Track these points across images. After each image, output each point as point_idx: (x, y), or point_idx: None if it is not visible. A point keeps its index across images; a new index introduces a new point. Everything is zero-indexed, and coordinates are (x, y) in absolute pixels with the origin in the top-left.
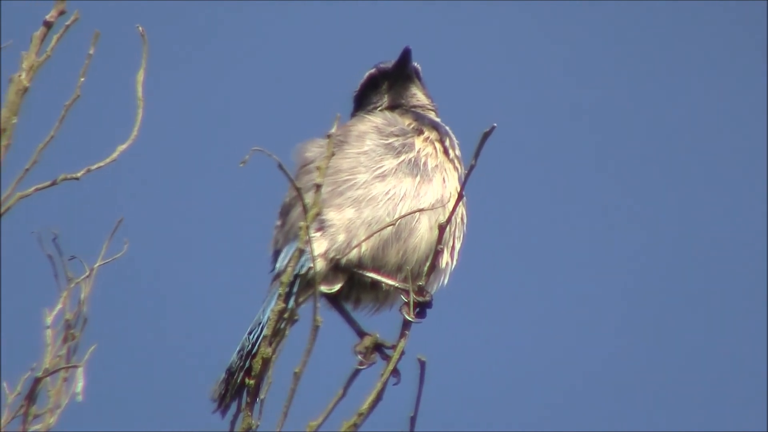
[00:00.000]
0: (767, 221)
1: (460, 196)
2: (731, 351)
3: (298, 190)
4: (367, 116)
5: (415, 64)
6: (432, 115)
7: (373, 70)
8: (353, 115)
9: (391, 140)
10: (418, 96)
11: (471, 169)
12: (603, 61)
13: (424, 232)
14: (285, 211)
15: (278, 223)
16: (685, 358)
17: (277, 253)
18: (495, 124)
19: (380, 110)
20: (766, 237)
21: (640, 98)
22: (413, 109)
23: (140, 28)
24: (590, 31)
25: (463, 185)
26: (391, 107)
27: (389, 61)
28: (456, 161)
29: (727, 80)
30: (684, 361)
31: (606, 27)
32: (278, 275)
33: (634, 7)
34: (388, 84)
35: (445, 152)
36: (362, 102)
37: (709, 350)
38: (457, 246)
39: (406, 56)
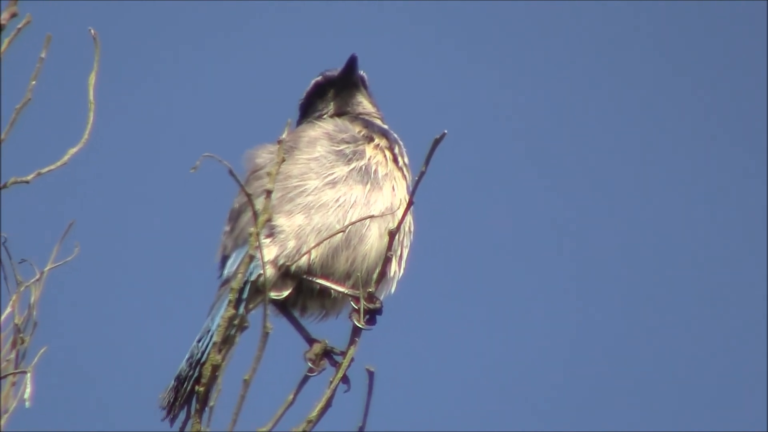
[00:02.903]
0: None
1: (410, 203)
2: (731, 351)
3: (248, 196)
4: (317, 122)
5: (361, 72)
6: (379, 123)
7: (319, 78)
8: (299, 123)
9: (342, 147)
10: (364, 104)
11: (421, 175)
12: (563, 63)
13: (374, 240)
14: (234, 217)
15: (227, 228)
16: (683, 358)
17: (225, 259)
18: (446, 131)
19: (328, 117)
20: (767, 237)
21: (619, 96)
22: (361, 116)
23: (92, 31)
24: (568, 33)
25: (413, 192)
26: (337, 115)
27: (335, 69)
28: (405, 169)
29: (727, 80)
30: (683, 362)
31: (582, 28)
32: (227, 281)
33: (625, 7)
34: (334, 92)
35: (395, 160)
36: (308, 110)
37: (709, 350)
38: (405, 254)
39: (352, 64)
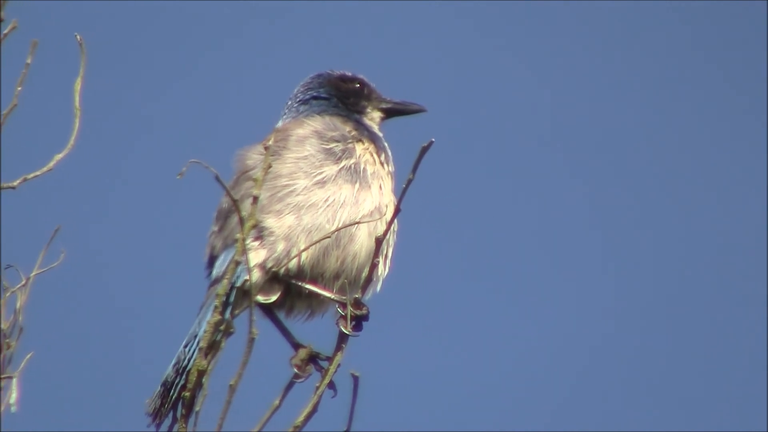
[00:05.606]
0: (767, 221)
1: (396, 210)
2: (731, 351)
3: (235, 202)
4: (306, 120)
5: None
6: (373, 128)
7: (360, 77)
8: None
9: (331, 145)
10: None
11: (408, 183)
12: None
13: (363, 239)
14: (222, 216)
15: (215, 228)
16: (682, 358)
17: (213, 259)
18: (433, 139)
19: (321, 115)
20: (767, 237)
21: (621, 92)
22: (354, 119)
23: (78, 37)
24: (563, 32)
25: (399, 199)
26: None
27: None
28: (390, 177)
29: (726, 80)
30: (683, 361)
31: (580, 27)
32: (215, 281)
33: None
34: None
35: (381, 165)
36: (343, 101)
37: (709, 350)
38: (390, 253)
39: (414, 112)
